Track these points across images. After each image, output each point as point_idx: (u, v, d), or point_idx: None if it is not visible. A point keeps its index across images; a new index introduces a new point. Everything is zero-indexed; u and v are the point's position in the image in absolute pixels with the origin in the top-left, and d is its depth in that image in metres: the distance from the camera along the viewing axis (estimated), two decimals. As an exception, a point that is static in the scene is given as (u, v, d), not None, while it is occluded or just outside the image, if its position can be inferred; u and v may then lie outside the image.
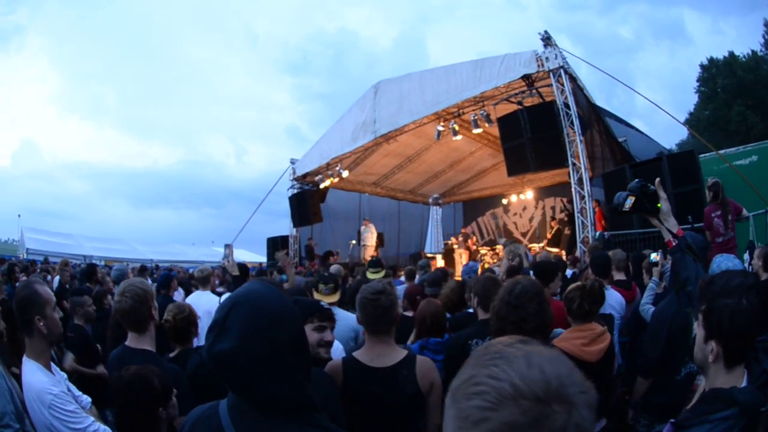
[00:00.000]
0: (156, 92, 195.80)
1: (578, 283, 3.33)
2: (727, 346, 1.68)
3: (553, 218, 16.46)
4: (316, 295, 4.15)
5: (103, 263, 20.89)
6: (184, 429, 1.47)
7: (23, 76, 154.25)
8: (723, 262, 3.13)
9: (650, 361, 3.52)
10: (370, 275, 6.80)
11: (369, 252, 16.20)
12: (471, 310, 4.09)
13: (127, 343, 2.77)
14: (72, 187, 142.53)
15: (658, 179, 2.33)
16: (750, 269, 4.65)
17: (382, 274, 6.81)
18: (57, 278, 9.31)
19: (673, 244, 2.28)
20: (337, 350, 3.21)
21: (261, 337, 1.29)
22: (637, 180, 2.32)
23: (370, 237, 16.79)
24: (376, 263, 7.50)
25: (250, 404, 1.33)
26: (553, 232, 14.88)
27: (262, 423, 1.32)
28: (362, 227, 16.97)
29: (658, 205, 2.29)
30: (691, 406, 1.80)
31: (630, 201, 2.28)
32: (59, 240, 27.17)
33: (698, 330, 1.79)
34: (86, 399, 2.71)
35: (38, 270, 11.22)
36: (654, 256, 4.87)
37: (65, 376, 2.67)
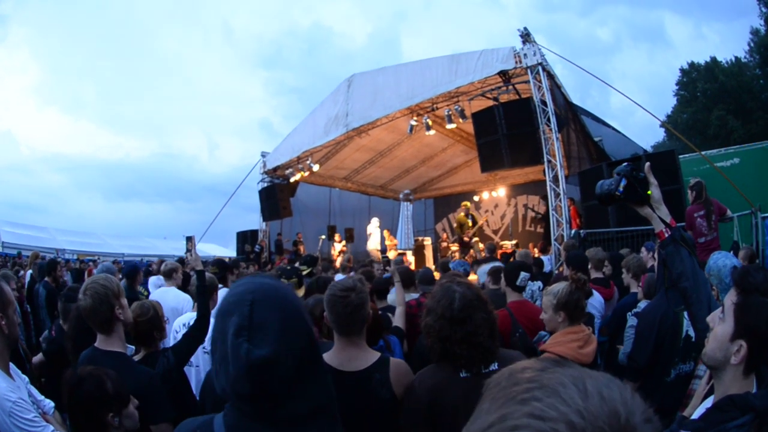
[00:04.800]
0: (132, 85, 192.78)
1: (566, 283, 3.12)
2: (755, 349, 1.54)
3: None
4: None
5: (75, 257, 20.54)
6: None
7: (4, 66, 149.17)
8: (721, 259, 3.01)
9: (638, 363, 3.40)
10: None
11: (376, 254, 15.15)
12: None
13: (96, 344, 2.60)
14: (48, 179, 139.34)
15: (648, 163, 2.13)
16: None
17: (308, 272, 6.52)
18: (29, 272, 9.00)
19: (666, 235, 2.05)
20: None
21: (301, 335, 1.17)
22: (626, 163, 2.10)
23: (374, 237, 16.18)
24: (305, 260, 7.16)
25: (267, 417, 1.14)
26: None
27: None
28: (368, 225, 16.34)
29: (648, 192, 2.08)
30: (703, 415, 1.64)
31: (624, 182, 2.05)
32: (34, 233, 26.81)
33: (721, 326, 1.62)
34: (49, 404, 2.54)
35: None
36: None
37: (26, 380, 2.48)
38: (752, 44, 31.91)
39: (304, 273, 6.41)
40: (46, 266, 7.49)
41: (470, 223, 14.46)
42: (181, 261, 7.57)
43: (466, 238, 14.01)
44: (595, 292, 4.60)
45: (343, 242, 16.71)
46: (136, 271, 6.23)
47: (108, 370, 2.18)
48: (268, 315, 1.12)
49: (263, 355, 1.07)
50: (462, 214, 14.82)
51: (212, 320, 1.27)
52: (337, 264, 12.24)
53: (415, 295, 4.93)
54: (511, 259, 7.93)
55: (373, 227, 15.85)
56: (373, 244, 15.81)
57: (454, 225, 14.87)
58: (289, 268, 4.49)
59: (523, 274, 4.13)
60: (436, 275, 5.97)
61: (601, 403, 0.51)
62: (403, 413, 2.21)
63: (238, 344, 1.09)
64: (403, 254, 15.59)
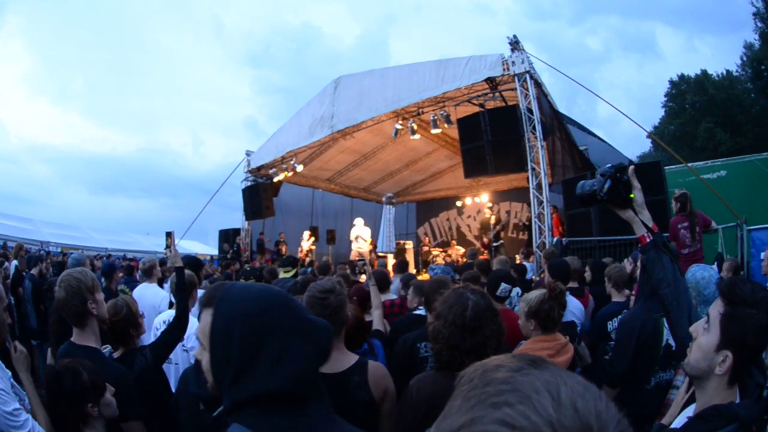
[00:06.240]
0: (121, 78, 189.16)
1: (543, 291, 3.08)
2: (740, 360, 1.53)
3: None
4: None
5: (59, 250, 20.38)
6: None
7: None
8: (699, 271, 3.01)
9: (618, 371, 3.40)
10: (282, 274, 6.53)
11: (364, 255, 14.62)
12: (417, 312, 3.97)
13: (72, 339, 2.61)
14: (35, 170, 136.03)
15: (632, 166, 2.08)
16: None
17: (292, 273, 6.57)
18: (14, 263, 8.81)
19: (647, 240, 1.98)
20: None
21: None
22: (610, 165, 2.03)
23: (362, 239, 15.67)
24: (287, 261, 7.11)
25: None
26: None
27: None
28: (353, 227, 15.87)
29: (631, 195, 2.02)
30: (686, 424, 1.62)
31: (609, 183, 1.98)
32: (19, 224, 26.27)
33: (705, 336, 1.60)
34: None
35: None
36: None
37: (9, 373, 2.44)
38: (745, 58, 31.85)
39: (289, 274, 6.38)
40: (34, 259, 7.53)
41: (493, 221, 14.59)
42: (163, 262, 7.51)
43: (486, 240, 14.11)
44: (575, 300, 4.60)
45: (312, 239, 16.49)
46: (112, 269, 6.32)
47: (84, 361, 2.22)
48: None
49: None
50: (488, 215, 15.05)
51: (233, 327, 1.11)
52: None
53: (393, 296, 5.03)
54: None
55: (360, 228, 15.57)
56: (361, 246, 15.47)
57: (478, 227, 14.94)
58: (248, 269, 4.60)
59: (503, 285, 4.11)
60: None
61: (574, 415, 0.49)
62: (397, 418, 2.19)
63: (313, 321, 1.23)
64: (384, 257, 15.55)
